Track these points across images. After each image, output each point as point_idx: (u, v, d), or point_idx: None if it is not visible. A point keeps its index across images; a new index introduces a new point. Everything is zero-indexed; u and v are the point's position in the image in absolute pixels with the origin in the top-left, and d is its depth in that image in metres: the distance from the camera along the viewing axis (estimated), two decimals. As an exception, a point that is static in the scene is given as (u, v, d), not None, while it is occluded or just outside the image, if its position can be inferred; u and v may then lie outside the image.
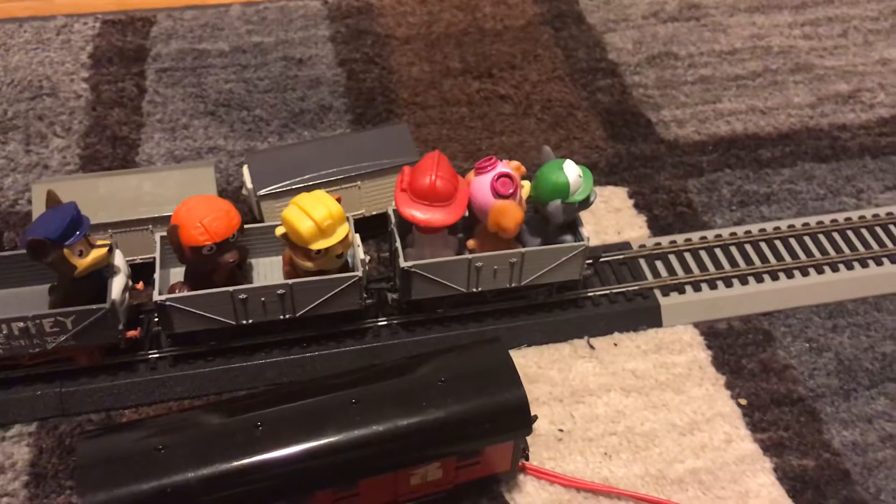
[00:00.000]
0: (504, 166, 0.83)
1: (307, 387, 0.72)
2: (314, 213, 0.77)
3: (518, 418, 0.72)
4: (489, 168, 0.83)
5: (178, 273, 0.85)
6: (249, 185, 0.92)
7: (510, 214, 0.81)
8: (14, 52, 1.23)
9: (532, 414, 0.80)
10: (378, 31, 1.32)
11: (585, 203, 0.85)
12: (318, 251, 0.79)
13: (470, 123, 1.18)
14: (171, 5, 1.35)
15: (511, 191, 0.82)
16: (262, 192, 0.91)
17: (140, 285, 0.84)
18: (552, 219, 0.85)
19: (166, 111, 1.17)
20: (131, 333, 0.82)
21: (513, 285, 0.87)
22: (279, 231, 0.79)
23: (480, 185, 0.83)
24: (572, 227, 0.88)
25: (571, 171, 0.84)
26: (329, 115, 1.17)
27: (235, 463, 0.66)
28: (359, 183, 0.94)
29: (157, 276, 0.80)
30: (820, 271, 0.97)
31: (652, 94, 1.23)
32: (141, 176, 0.91)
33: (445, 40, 1.32)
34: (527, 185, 0.86)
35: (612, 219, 1.06)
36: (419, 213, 0.82)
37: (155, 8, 1.35)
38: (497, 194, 0.82)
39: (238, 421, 0.68)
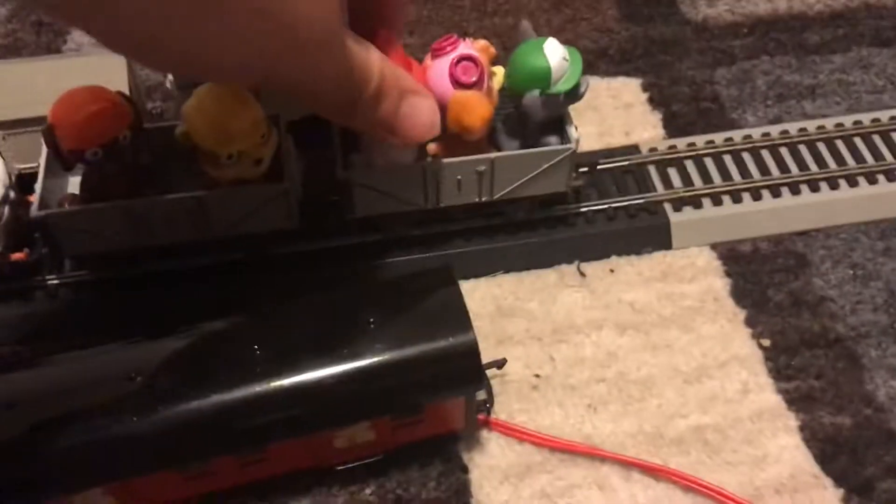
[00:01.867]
0: (467, 47, 0.66)
1: (199, 329, 0.57)
2: (221, 110, 0.61)
3: (465, 370, 0.56)
4: (449, 49, 0.66)
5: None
6: (170, 76, 0.76)
7: (473, 109, 0.64)
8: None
9: (501, 358, 0.66)
10: None
11: (573, 95, 0.68)
12: (230, 156, 0.63)
13: (456, 2, 0.99)
14: None
15: (475, 78, 0.64)
16: (182, 83, 0.75)
17: (32, 197, 0.70)
18: (530, 114, 0.67)
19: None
20: (16, 256, 0.68)
21: (483, 199, 0.71)
22: (180, 131, 0.63)
23: (438, 70, 0.65)
24: (558, 126, 0.70)
25: (554, 54, 0.66)
26: None
27: (103, 430, 0.52)
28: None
29: (38, 185, 0.66)
30: (872, 181, 0.78)
31: (679, -35, 1.03)
32: (37, 65, 0.75)
33: None
34: (500, 71, 0.69)
35: (621, 117, 0.88)
36: None
37: None
38: (457, 83, 0.64)
39: (109, 371, 0.54)
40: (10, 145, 0.73)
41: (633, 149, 0.82)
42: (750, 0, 0.99)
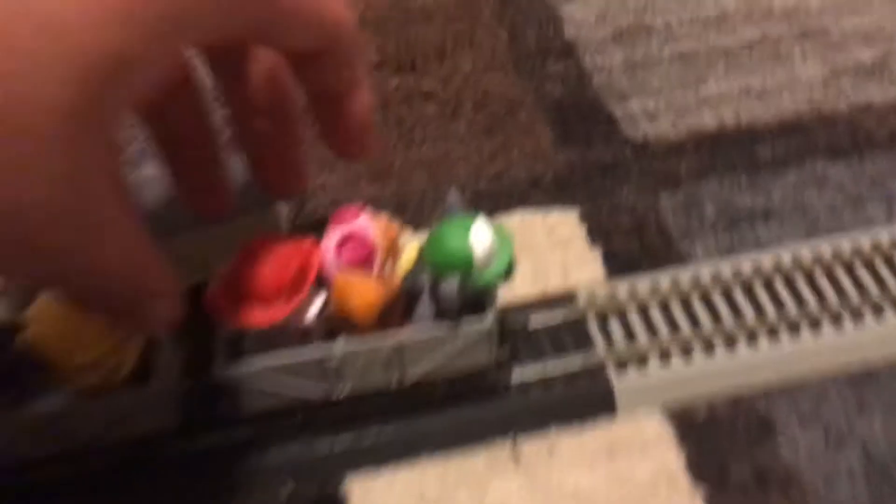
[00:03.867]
0: (364, 221, 0.58)
1: None
2: (68, 314, 0.52)
3: None
4: (342, 222, 0.58)
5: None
6: None
7: (356, 296, 0.56)
8: None
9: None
10: (276, 19, 1.06)
11: (498, 280, 0.60)
12: (80, 367, 0.54)
13: (382, 132, 0.92)
14: None
15: (362, 261, 0.56)
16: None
17: None
18: (443, 302, 0.59)
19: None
20: None
21: (394, 386, 0.62)
22: (22, 339, 0.54)
23: (326, 244, 0.57)
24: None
25: (481, 238, 0.58)
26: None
27: None
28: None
29: None
30: (837, 324, 0.70)
31: (617, 79, 0.96)
32: None
33: (361, 25, 1.06)
34: (411, 250, 0.60)
35: (558, 255, 0.79)
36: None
37: None
38: (344, 264, 0.56)
39: None
40: None
41: (570, 297, 0.73)
42: (694, 113, 0.92)
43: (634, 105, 0.93)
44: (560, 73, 0.98)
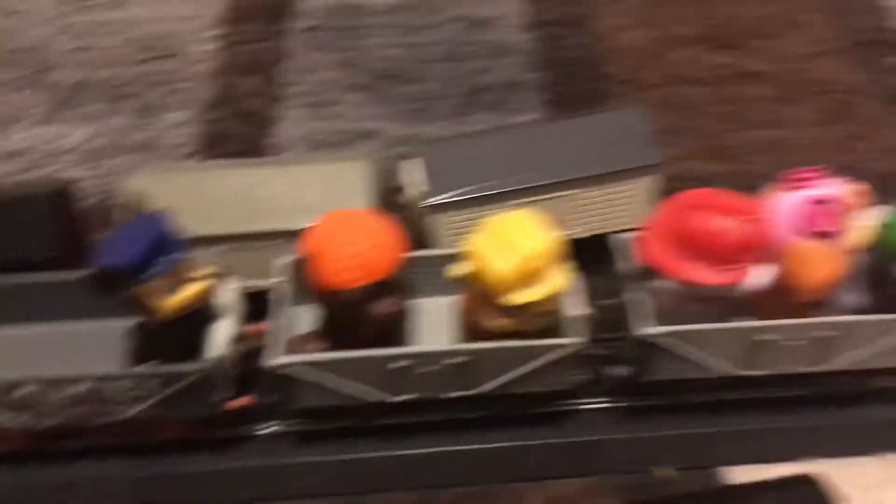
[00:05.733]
0: (829, 187, 0.52)
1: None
2: (519, 248, 0.49)
3: None
4: (807, 184, 0.52)
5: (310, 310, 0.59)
6: (416, 188, 0.65)
7: (816, 267, 0.50)
8: (134, 2, 1.01)
9: None
10: (584, -14, 1.03)
11: None
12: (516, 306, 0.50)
13: (709, 109, 0.87)
14: (325, -49, 1.10)
15: (831, 229, 0.51)
16: (434, 200, 0.63)
17: (260, 327, 0.58)
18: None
19: (310, 82, 0.92)
20: (238, 403, 0.56)
21: (816, 369, 0.56)
22: (456, 271, 0.51)
23: (785, 206, 0.52)
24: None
25: None
26: (517, 94, 0.89)
27: None
28: (577, 191, 0.65)
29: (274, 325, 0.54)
30: None
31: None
32: (271, 170, 0.65)
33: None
34: (867, 224, 0.54)
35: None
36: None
37: (306, -46, 1.10)
38: (808, 231, 0.51)
39: None
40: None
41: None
42: None
43: None
44: (898, 66, 0.90)
